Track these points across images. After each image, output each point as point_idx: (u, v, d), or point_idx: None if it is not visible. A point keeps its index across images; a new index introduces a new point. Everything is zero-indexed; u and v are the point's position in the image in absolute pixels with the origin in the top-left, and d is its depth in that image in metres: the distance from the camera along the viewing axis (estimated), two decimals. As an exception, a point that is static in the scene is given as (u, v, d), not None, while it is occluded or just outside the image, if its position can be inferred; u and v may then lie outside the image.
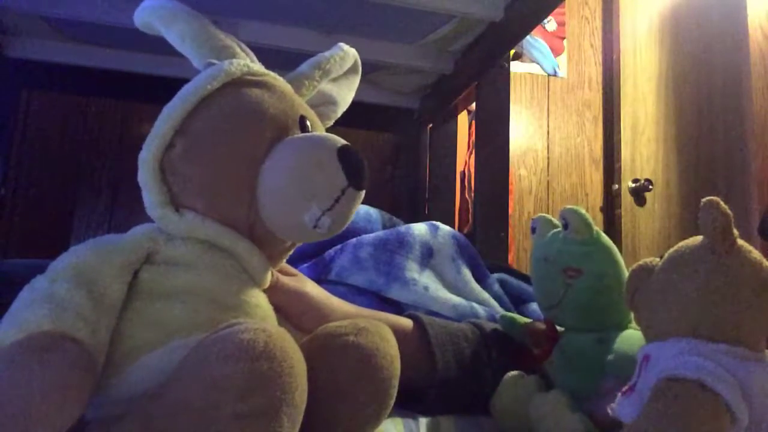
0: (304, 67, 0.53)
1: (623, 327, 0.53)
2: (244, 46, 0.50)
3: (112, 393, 0.37)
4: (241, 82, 0.44)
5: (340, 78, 0.56)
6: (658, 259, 0.43)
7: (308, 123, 0.46)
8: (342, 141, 0.43)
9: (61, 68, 1.41)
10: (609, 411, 0.39)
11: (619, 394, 0.39)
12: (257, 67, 0.47)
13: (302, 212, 0.41)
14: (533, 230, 0.59)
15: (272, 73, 0.48)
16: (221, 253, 0.42)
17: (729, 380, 0.34)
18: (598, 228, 0.55)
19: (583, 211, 0.54)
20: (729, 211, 0.37)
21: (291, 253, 0.51)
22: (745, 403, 0.34)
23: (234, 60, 0.46)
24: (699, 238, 0.40)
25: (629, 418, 0.37)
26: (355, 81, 0.59)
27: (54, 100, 1.68)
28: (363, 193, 0.43)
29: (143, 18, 0.49)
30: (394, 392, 0.43)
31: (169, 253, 0.41)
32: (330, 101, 0.56)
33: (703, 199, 0.37)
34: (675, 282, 0.39)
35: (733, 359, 0.35)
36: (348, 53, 0.56)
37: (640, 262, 0.44)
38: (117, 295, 0.38)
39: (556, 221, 0.58)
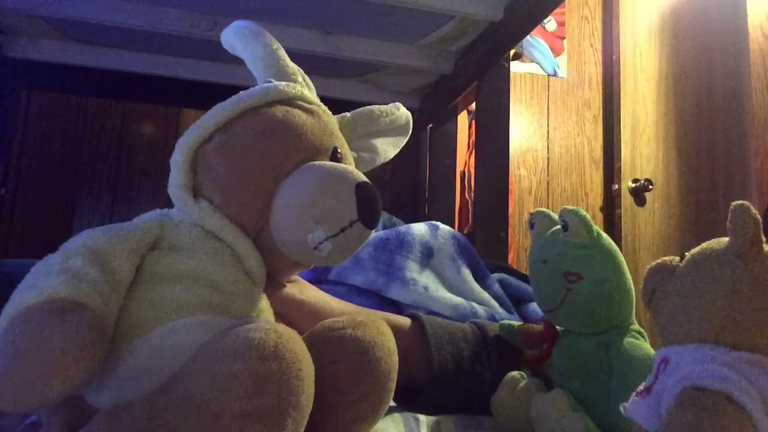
0: (354, 112, 0.56)
1: (625, 330, 0.53)
2: (308, 78, 0.54)
3: (113, 371, 0.38)
4: (291, 104, 0.47)
5: (388, 133, 0.59)
6: (677, 258, 0.41)
7: (339, 156, 0.48)
8: (364, 178, 0.44)
9: (61, 68, 1.41)
10: (621, 409, 0.39)
11: (634, 394, 0.39)
12: (311, 96, 0.50)
13: (307, 232, 0.42)
14: (531, 225, 0.58)
15: (323, 106, 0.51)
16: (223, 244, 0.44)
17: (753, 393, 0.33)
18: (598, 228, 0.54)
19: (584, 213, 0.53)
20: (759, 217, 0.36)
21: (295, 272, 0.52)
22: (766, 417, 0.33)
23: (290, 83, 0.49)
24: (723, 240, 0.38)
25: (644, 420, 0.37)
26: (402, 141, 0.61)
27: (54, 100, 1.68)
28: (371, 232, 0.45)
29: (229, 36, 0.54)
30: (393, 385, 0.44)
31: (173, 239, 0.43)
32: (371, 150, 0.58)
33: (733, 203, 0.36)
34: (698, 285, 0.38)
35: (754, 369, 0.34)
36: (401, 115, 0.59)
37: (659, 261, 0.42)
38: (126, 276, 0.39)
39: (554, 216, 0.57)
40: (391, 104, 0.59)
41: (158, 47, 1.38)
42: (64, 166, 1.67)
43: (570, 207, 0.53)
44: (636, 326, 0.54)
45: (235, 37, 0.53)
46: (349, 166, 0.48)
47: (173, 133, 1.72)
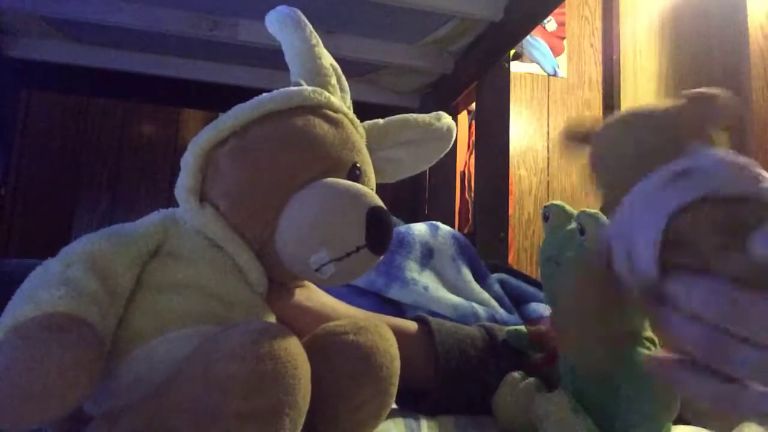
0: (388, 119, 0.53)
1: (638, 339, 0.51)
2: (344, 80, 0.51)
3: (111, 382, 0.37)
4: (314, 112, 0.45)
5: (424, 143, 0.56)
6: None
7: (358, 173, 0.46)
8: (379, 202, 0.42)
9: (61, 68, 1.41)
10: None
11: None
12: (338, 103, 0.47)
13: (311, 252, 0.41)
14: (545, 218, 0.55)
15: (351, 114, 0.48)
16: (225, 253, 0.43)
17: None
18: None
19: (604, 220, 0.49)
20: None
21: (304, 280, 0.51)
22: None
23: (318, 89, 0.46)
24: None
25: None
26: (440, 152, 0.58)
27: (54, 100, 1.68)
28: (379, 258, 0.43)
29: (272, 20, 0.51)
30: (394, 391, 0.43)
31: (174, 245, 0.42)
32: (398, 160, 0.56)
33: None
34: None
35: None
36: (441, 126, 0.56)
37: None
38: (127, 285, 0.39)
39: (570, 210, 0.53)
40: (433, 114, 0.56)
41: (158, 47, 1.38)
42: (64, 166, 1.67)
43: (589, 211, 0.49)
44: (648, 333, 0.52)
45: (277, 22, 0.50)
46: (366, 186, 0.45)
47: (173, 134, 1.72)
